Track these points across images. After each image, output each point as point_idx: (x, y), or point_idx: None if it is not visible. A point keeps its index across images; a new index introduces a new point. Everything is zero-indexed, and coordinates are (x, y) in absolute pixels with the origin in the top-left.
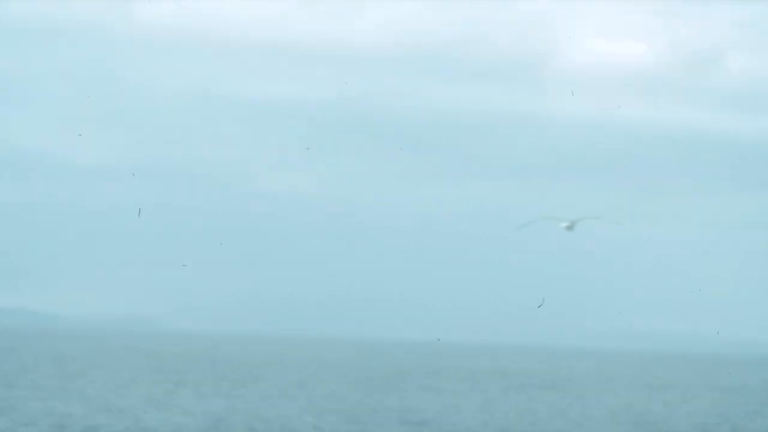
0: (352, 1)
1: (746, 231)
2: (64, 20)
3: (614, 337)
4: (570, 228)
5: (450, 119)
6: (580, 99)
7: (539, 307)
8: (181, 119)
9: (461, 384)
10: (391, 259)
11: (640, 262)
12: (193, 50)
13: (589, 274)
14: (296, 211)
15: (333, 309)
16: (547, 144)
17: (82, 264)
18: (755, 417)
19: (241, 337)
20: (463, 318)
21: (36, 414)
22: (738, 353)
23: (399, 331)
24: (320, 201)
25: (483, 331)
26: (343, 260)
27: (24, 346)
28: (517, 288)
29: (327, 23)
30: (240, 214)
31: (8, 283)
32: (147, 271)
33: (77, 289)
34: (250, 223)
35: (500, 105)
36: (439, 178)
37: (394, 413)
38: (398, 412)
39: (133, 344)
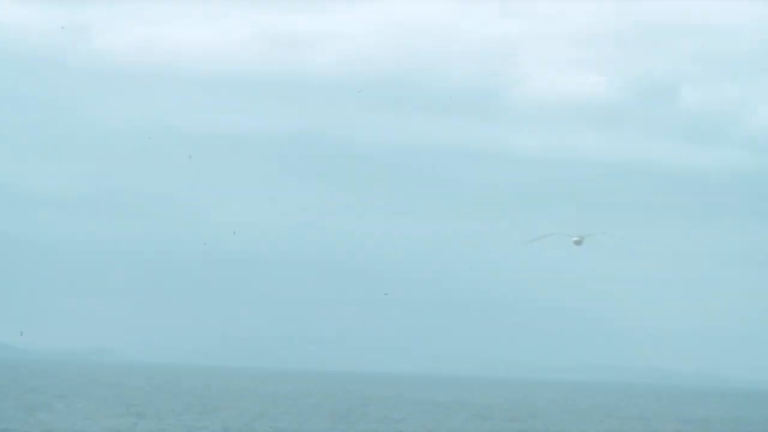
0: (306, 34)
1: (703, 259)
2: (17, 50)
3: (580, 369)
4: (579, 242)
5: (406, 152)
6: (537, 130)
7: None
8: (135, 152)
9: (424, 415)
10: (348, 290)
11: (590, 294)
12: (147, 83)
13: (556, 305)
14: (252, 243)
15: (292, 341)
16: (504, 175)
17: (41, 296)
18: None
19: (202, 369)
20: (428, 350)
21: None
22: (707, 386)
23: (366, 364)
24: (276, 232)
25: (449, 363)
26: (301, 292)
27: None
28: (485, 319)
29: (281, 56)
30: (194, 246)
31: None
32: (106, 304)
33: (37, 322)
34: (204, 256)
35: (457, 136)
36: (394, 211)
37: None
38: None
39: (95, 376)
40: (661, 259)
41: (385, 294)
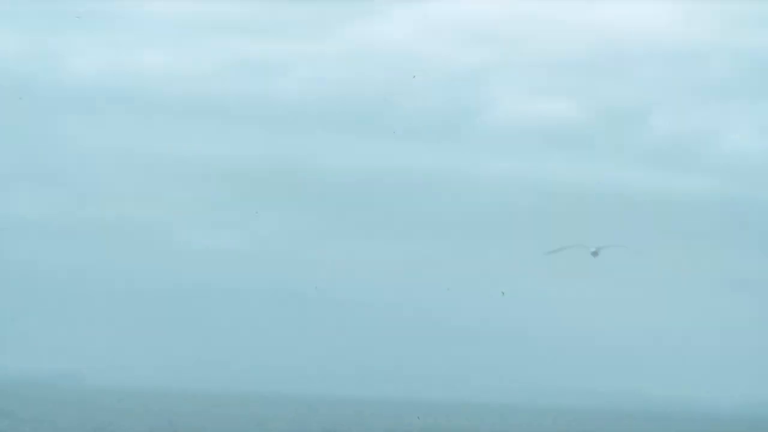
0: (275, 59)
1: (674, 284)
2: None
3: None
4: (596, 254)
5: (374, 177)
6: (506, 155)
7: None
8: (106, 177)
9: None
10: (321, 316)
11: (564, 320)
12: (117, 107)
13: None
14: (223, 269)
15: (261, 365)
16: (472, 201)
17: (3, 319)
18: None
19: (171, 394)
20: (405, 376)
21: None
22: (681, 410)
23: (336, 389)
24: (248, 259)
25: (428, 389)
26: (271, 319)
27: None
28: (453, 343)
29: (251, 81)
30: (165, 271)
31: None
32: (74, 329)
33: (3, 345)
34: (175, 282)
35: (424, 162)
36: (365, 236)
37: None
38: None
39: (62, 399)
40: (631, 283)
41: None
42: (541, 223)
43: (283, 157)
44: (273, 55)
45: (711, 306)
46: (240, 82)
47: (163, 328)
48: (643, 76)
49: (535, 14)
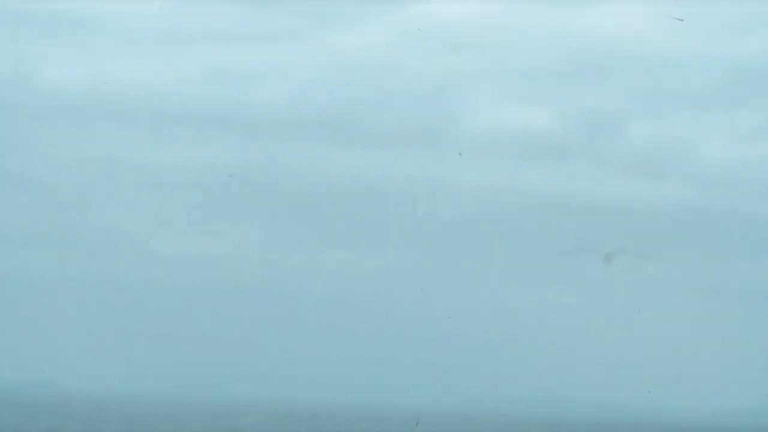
0: (252, 70)
1: (652, 292)
2: None
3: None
4: (609, 258)
5: (350, 185)
6: (483, 164)
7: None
8: (82, 186)
9: None
10: (294, 324)
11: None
12: (93, 116)
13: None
14: (199, 276)
15: (237, 374)
16: (449, 210)
17: None
18: None
19: (147, 402)
20: (376, 382)
21: None
22: (655, 420)
23: (314, 396)
24: (224, 266)
25: (401, 395)
26: (248, 327)
27: None
28: (430, 350)
29: (226, 91)
30: (138, 279)
31: None
32: (48, 336)
33: None
34: (149, 289)
35: (400, 171)
36: (342, 245)
37: None
38: None
39: (34, 408)
40: (608, 291)
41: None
42: (519, 231)
43: (259, 165)
44: (249, 63)
45: (686, 315)
46: (216, 90)
47: (139, 335)
48: (621, 84)
49: (513, 22)
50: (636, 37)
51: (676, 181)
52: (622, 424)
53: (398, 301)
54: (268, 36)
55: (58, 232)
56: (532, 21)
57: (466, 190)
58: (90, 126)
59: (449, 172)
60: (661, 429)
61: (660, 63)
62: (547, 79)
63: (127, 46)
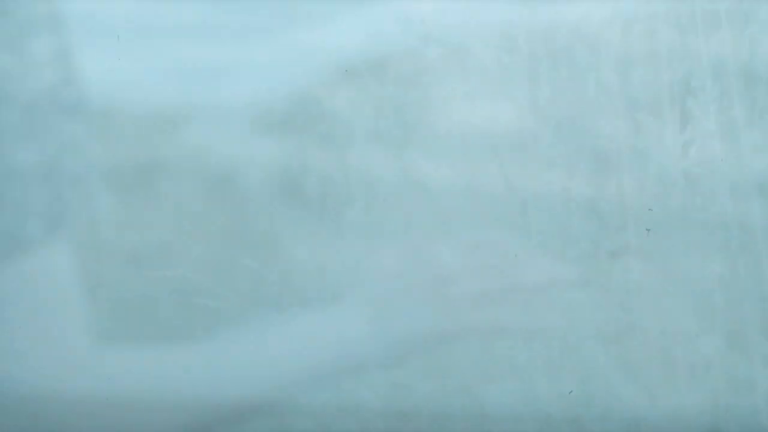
0: (224, 65)
1: (653, 298)
2: None
3: None
4: (615, 255)
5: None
6: (450, 162)
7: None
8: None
9: None
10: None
11: None
12: (64, 116)
13: None
14: None
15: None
16: (416, 209)
17: None
18: None
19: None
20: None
21: None
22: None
23: (311, 396)
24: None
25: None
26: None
27: None
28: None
29: (200, 87)
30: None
31: None
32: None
33: None
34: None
35: (368, 168)
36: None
37: None
38: None
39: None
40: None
41: None
42: (486, 230)
43: None
44: (222, 61)
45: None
46: (188, 88)
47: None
48: (591, 81)
49: (483, 16)
50: (606, 32)
51: (650, 180)
52: (622, 424)
53: None
54: (241, 32)
55: None
56: (502, 16)
57: (432, 187)
58: (60, 125)
59: (416, 170)
60: (661, 429)
61: (632, 59)
62: (516, 76)
63: (92, 42)
